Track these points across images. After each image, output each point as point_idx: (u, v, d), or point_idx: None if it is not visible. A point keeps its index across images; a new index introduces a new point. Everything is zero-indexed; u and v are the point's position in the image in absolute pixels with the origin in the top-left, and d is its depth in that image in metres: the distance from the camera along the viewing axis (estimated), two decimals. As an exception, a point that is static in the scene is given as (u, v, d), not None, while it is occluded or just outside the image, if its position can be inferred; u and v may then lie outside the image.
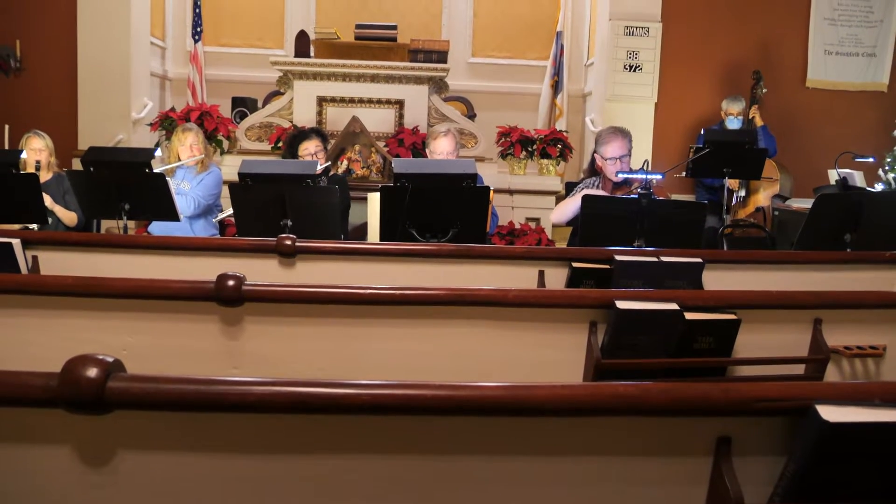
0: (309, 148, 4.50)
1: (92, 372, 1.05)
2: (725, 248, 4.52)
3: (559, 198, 5.88)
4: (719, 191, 5.48)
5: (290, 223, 3.41)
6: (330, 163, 4.62)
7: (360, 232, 4.69)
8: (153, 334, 1.95)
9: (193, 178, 4.51)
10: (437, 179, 3.29)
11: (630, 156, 3.87)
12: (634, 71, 6.77)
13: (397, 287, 1.99)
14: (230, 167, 5.25)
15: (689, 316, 1.95)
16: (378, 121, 5.80)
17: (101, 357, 1.07)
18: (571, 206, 3.86)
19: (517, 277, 2.73)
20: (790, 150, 6.40)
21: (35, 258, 2.78)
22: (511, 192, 5.75)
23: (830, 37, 6.95)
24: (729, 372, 2.07)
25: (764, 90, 6.29)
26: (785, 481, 1.13)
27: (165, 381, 1.06)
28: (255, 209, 3.50)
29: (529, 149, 5.86)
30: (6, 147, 5.75)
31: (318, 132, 4.75)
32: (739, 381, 1.96)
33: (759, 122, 6.18)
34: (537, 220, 5.76)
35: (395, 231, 3.25)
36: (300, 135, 4.69)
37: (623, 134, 3.85)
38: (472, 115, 6.86)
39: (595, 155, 3.92)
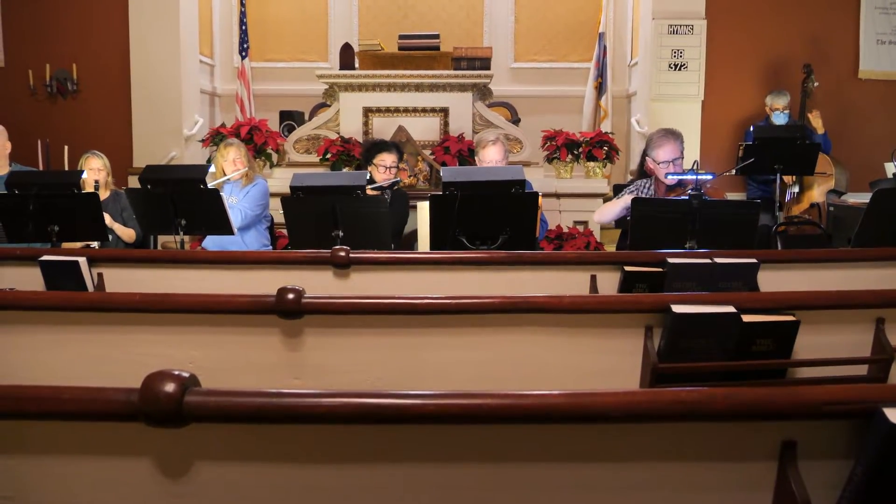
0: (386, 160, 4.61)
1: (170, 387, 1.09)
2: (780, 246, 4.44)
3: (607, 200, 5.85)
4: (771, 185, 5.39)
5: (341, 234, 3.47)
6: (399, 178, 4.69)
7: (410, 240, 4.74)
8: (217, 347, 2.01)
9: (240, 191, 4.61)
10: (485, 187, 3.31)
11: (682, 158, 3.83)
12: (679, 70, 6.71)
13: (453, 296, 2.02)
14: (280, 180, 5.36)
15: (746, 318, 1.94)
16: (423, 129, 5.86)
17: (177, 372, 1.12)
18: (617, 206, 3.85)
19: (569, 283, 2.73)
20: (844, 144, 6.26)
21: (100, 275, 2.88)
22: (558, 195, 5.74)
23: (883, 26, 6.77)
24: (789, 374, 2.05)
25: (815, 84, 6.17)
26: (853, 485, 1.12)
27: (239, 395, 1.10)
28: (307, 221, 3.58)
29: (575, 152, 5.84)
30: (66, 167, 5.95)
31: (398, 148, 4.83)
32: (801, 384, 1.94)
33: (820, 128, 6.03)
34: (585, 223, 5.73)
35: (445, 239, 3.28)
36: (380, 144, 4.79)
37: (675, 136, 3.81)
38: (516, 120, 6.88)
39: (647, 158, 3.89)
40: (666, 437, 1.20)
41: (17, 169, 4.72)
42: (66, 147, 5.97)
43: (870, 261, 2.94)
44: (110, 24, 6.94)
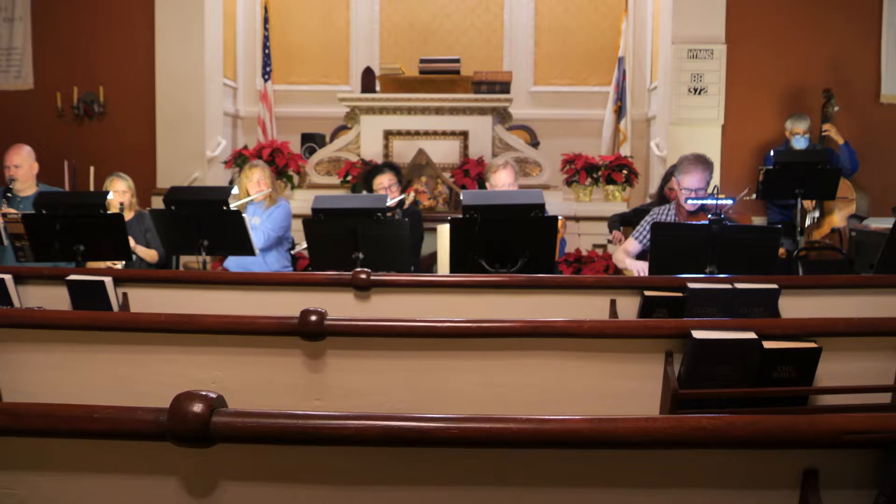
0: (383, 182, 4.63)
1: (198, 407, 1.12)
2: (801, 271, 4.42)
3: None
4: (792, 210, 5.37)
5: (361, 256, 3.50)
6: (404, 196, 4.73)
7: (429, 262, 4.77)
8: (240, 368, 2.04)
9: (263, 212, 4.66)
10: (505, 210, 3.33)
11: (706, 190, 3.78)
12: (699, 94, 6.71)
13: (473, 320, 2.03)
14: (301, 201, 5.42)
15: (767, 345, 1.93)
16: (443, 152, 5.90)
17: (205, 393, 1.14)
18: (631, 251, 3.89)
19: (589, 307, 2.74)
20: (866, 169, 6.21)
21: (125, 295, 2.92)
22: (577, 219, 5.75)
23: (905, 49, 6.75)
24: (811, 401, 2.03)
25: (836, 108, 6.14)
26: (876, 515, 1.12)
27: (265, 416, 1.12)
28: (328, 243, 3.61)
29: (594, 175, 5.86)
30: (91, 188, 6.04)
31: (392, 166, 4.87)
32: (823, 412, 1.93)
33: (839, 139, 6.01)
34: (604, 246, 5.74)
35: (465, 262, 3.30)
36: (374, 169, 4.83)
37: (706, 166, 3.74)
38: (535, 143, 6.91)
39: (673, 179, 3.87)
40: (687, 464, 1.20)
41: (45, 190, 4.80)
42: (91, 168, 6.06)
43: (893, 287, 2.91)
44: (137, 47, 7.07)
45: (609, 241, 5.42)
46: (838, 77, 6.60)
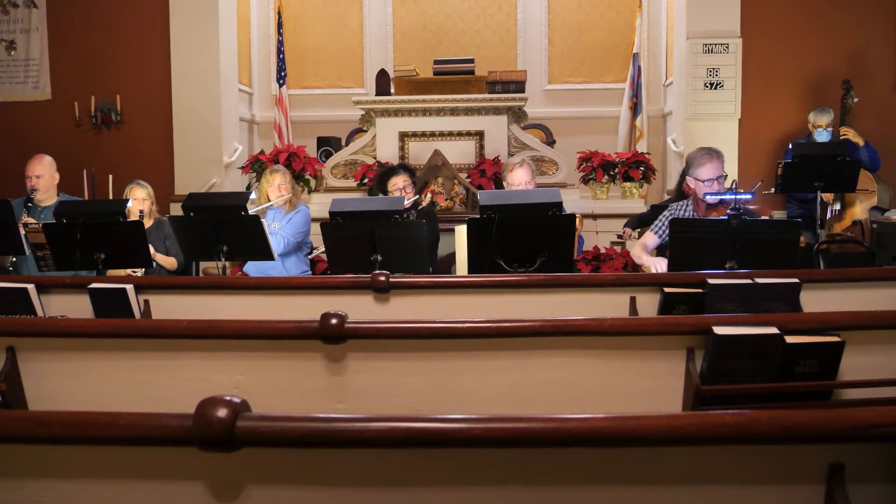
0: (398, 183, 4.64)
1: (222, 412, 1.12)
2: (822, 265, 4.37)
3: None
4: (812, 204, 5.31)
5: (379, 258, 3.51)
6: (418, 196, 4.73)
7: (447, 263, 4.77)
8: (262, 372, 2.05)
9: (283, 217, 4.68)
10: (522, 210, 3.33)
11: (724, 176, 3.79)
12: (715, 88, 6.67)
13: (493, 320, 2.03)
14: (318, 205, 5.44)
15: (789, 339, 1.92)
16: (459, 153, 5.90)
17: (229, 398, 1.15)
18: (649, 244, 3.91)
19: (608, 305, 2.73)
20: (887, 159, 6.14)
21: (146, 302, 2.95)
22: (595, 216, 5.73)
23: (923, 38, 6.67)
24: (835, 396, 2.02)
25: (855, 99, 6.07)
26: (905, 509, 1.11)
27: (289, 420, 1.12)
28: (346, 246, 3.62)
29: (611, 172, 5.84)
30: (110, 196, 6.09)
31: (406, 167, 4.87)
32: (848, 406, 1.92)
33: (858, 140, 5.92)
34: (622, 243, 5.71)
35: (483, 262, 3.30)
36: (389, 171, 4.84)
37: (717, 155, 3.77)
38: (551, 142, 6.89)
39: (687, 178, 3.86)
40: (711, 461, 1.20)
41: (65, 199, 4.85)
42: (110, 176, 6.12)
43: (916, 279, 2.88)
44: (153, 56, 7.14)
45: (619, 237, 5.42)
46: (856, 68, 6.53)
